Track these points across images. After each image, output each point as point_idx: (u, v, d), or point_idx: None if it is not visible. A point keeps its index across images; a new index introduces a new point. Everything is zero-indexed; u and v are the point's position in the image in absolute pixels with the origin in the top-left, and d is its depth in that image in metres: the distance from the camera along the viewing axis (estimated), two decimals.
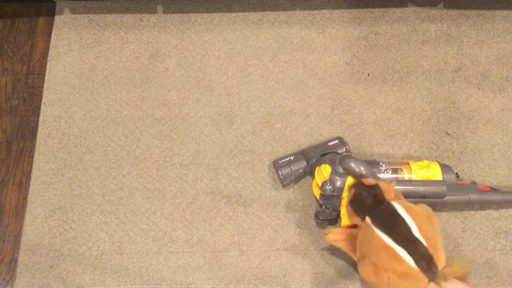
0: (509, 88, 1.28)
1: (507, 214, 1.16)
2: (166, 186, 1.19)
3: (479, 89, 1.28)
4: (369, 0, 1.38)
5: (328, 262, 1.12)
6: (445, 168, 1.11)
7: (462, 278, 0.93)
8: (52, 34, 1.36)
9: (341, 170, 1.05)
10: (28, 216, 1.17)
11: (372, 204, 0.96)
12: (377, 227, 0.94)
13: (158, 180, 1.20)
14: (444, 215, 1.15)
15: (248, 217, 1.17)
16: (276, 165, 1.17)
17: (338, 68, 1.31)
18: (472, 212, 1.16)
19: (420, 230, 0.92)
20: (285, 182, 1.16)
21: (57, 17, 1.38)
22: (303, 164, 1.15)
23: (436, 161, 1.13)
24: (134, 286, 1.11)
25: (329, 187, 1.04)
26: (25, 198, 1.19)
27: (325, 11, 1.37)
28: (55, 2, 1.39)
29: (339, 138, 1.19)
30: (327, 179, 1.06)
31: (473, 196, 1.09)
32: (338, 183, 1.05)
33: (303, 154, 1.17)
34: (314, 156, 1.14)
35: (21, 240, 1.15)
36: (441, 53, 1.32)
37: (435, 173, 1.09)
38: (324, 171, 1.08)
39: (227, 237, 1.15)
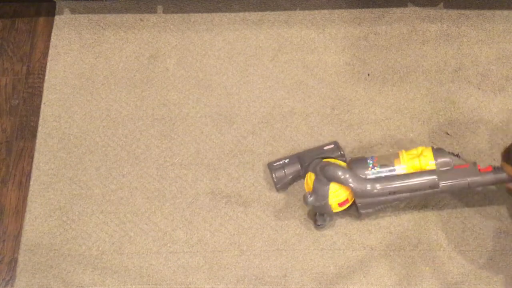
0: (509, 88, 1.28)
1: (507, 214, 1.16)
2: (166, 186, 1.19)
3: (479, 89, 1.28)
4: (369, 0, 1.38)
5: (328, 262, 1.12)
6: (438, 152, 1.05)
7: None
8: (52, 34, 1.36)
9: (323, 178, 1.05)
10: (28, 216, 1.17)
11: None
12: None
13: (158, 180, 1.20)
14: (444, 214, 1.15)
15: (248, 217, 1.17)
16: (271, 167, 1.16)
17: (338, 68, 1.31)
18: (472, 212, 1.15)
19: None
20: (278, 186, 1.16)
21: (57, 17, 1.38)
22: (297, 167, 1.15)
23: (431, 146, 1.08)
24: (134, 286, 1.11)
25: (311, 198, 1.04)
26: (25, 198, 1.19)
27: (325, 11, 1.37)
28: (55, 2, 1.39)
29: (334, 143, 1.19)
30: (311, 188, 1.06)
31: (473, 179, 1.02)
32: (320, 192, 1.05)
33: (298, 157, 1.17)
34: (308, 159, 1.14)
35: (21, 240, 1.15)
36: (441, 53, 1.32)
37: (427, 160, 1.04)
38: (309, 180, 1.08)
39: (227, 237, 1.15)
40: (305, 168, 1.14)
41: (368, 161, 1.08)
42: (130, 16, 1.37)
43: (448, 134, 1.23)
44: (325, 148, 1.17)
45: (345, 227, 1.15)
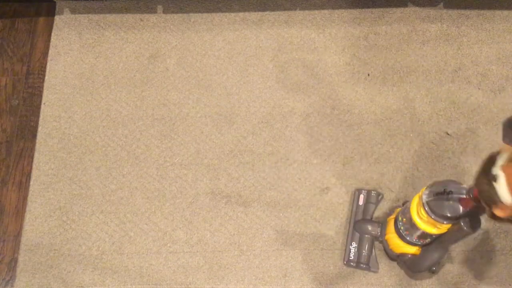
0: (509, 88, 1.28)
1: None
2: (166, 186, 1.19)
3: (479, 89, 1.28)
4: (369, 0, 1.38)
5: (328, 262, 1.12)
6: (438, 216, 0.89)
7: None
8: (52, 34, 1.36)
9: None
10: (28, 216, 1.17)
11: None
12: None
13: (158, 180, 1.20)
14: None
15: (248, 217, 1.17)
16: (352, 264, 1.11)
17: (338, 68, 1.31)
18: None
19: None
20: (374, 269, 1.11)
21: (57, 17, 1.38)
22: (364, 239, 1.12)
23: (422, 206, 0.92)
24: (134, 286, 1.11)
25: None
26: (25, 198, 1.19)
27: (325, 11, 1.37)
28: (55, 2, 1.39)
29: (360, 192, 1.16)
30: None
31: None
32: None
33: (356, 230, 1.13)
34: (361, 226, 1.12)
35: (21, 240, 1.15)
36: (441, 53, 1.32)
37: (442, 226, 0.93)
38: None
39: (227, 237, 1.15)
40: (369, 233, 1.11)
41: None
42: (130, 16, 1.37)
43: (448, 134, 1.23)
44: (360, 203, 1.15)
45: (345, 227, 1.15)
